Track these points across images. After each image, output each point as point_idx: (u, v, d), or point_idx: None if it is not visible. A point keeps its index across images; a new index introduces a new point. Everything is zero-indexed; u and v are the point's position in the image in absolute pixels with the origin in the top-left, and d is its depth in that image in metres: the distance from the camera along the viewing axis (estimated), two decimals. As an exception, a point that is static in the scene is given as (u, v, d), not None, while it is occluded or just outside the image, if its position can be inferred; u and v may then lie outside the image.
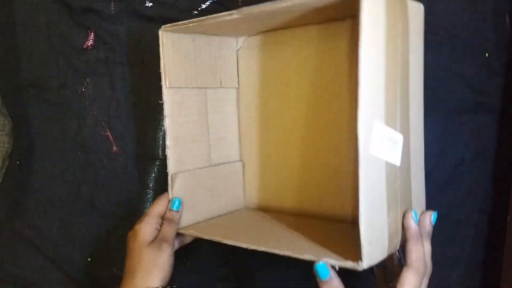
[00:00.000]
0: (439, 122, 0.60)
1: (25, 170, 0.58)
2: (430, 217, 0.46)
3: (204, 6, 0.58)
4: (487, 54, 0.61)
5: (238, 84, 0.56)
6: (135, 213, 0.60)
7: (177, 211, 0.54)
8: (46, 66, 0.59)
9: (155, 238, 0.51)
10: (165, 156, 0.51)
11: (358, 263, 0.39)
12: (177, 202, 0.54)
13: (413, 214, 0.43)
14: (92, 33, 0.58)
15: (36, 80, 0.59)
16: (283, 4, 0.39)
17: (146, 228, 0.51)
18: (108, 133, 0.58)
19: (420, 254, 0.42)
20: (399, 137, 0.41)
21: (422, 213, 0.47)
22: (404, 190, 0.44)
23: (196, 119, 0.52)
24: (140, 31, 0.57)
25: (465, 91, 0.61)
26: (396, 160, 0.40)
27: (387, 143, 0.39)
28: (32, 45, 0.59)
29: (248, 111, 0.57)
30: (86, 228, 0.58)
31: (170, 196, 0.53)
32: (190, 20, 0.46)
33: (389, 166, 0.40)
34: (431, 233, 0.46)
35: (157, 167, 0.60)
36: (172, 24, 0.46)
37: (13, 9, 0.58)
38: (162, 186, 0.58)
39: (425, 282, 0.43)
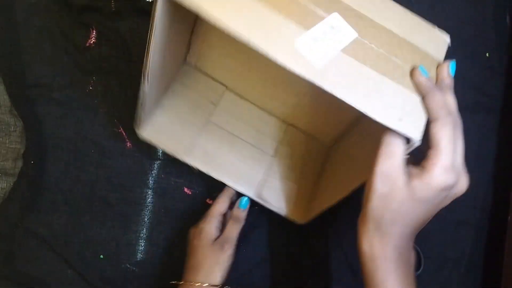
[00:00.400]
0: (440, 121, 0.60)
1: (38, 170, 0.58)
2: (448, 68, 0.39)
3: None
4: (487, 54, 0.61)
5: None
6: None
7: (244, 210, 0.55)
8: (51, 66, 0.59)
9: (218, 237, 0.53)
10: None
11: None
12: (244, 200, 0.55)
13: (420, 69, 0.36)
14: (94, 31, 0.58)
15: (41, 80, 0.59)
16: None
17: (210, 228, 0.53)
18: (121, 130, 0.58)
19: (440, 103, 0.34)
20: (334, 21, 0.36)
21: (438, 65, 0.40)
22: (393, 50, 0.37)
23: None
24: (142, 27, 0.57)
25: (466, 91, 0.61)
26: (349, 37, 0.35)
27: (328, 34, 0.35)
28: (35, 45, 0.59)
29: None
30: (100, 227, 0.58)
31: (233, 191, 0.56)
32: None
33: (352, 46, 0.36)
34: (452, 85, 0.38)
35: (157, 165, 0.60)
36: None
37: (14, 9, 0.59)
38: (161, 185, 0.59)
39: (459, 134, 0.36)
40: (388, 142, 0.35)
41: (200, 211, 0.59)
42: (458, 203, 0.60)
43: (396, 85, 0.35)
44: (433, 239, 0.59)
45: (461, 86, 0.60)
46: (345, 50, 0.35)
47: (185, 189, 0.59)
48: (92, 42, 0.58)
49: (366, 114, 0.34)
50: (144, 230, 0.59)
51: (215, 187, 0.59)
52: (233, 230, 0.54)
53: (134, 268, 0.58)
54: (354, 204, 0.59)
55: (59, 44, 0.59)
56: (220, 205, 0.55)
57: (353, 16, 0.36)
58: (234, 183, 0.56)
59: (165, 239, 0.59)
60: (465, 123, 0.60)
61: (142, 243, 0.59)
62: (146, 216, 0.59)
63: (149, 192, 0.59)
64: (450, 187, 0.35)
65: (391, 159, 0.34)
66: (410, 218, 0.37)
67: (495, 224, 0.60)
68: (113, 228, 0.58)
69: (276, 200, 0.56)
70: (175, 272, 0.58)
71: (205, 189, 0.59)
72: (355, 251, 0.59)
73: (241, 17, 0.33)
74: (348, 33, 0.36)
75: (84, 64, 0.59)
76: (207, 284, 0.50)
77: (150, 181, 0.59)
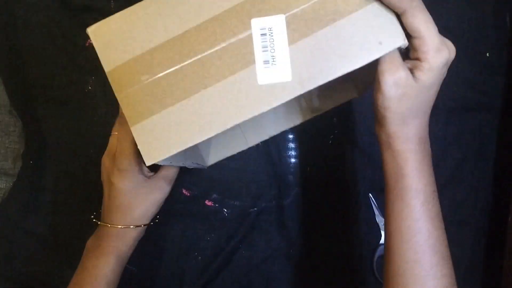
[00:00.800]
0: (440, 121, 0.60)
1: (37, 170, 0.58)
2: None
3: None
4: (487, 54, 0.61)
5: None
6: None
7: None
8: (50, 65, 0.59)
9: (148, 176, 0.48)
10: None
11: None
12: None
13: None
14: (93, 31, 0.58)
15: (41, 79, 0.59)
16: None
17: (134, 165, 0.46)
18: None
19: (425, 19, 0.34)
20: None
21: None
22: None
23: None
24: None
25: (466, 91, 0.61)
26: (280, 26, 0.34)
27: None
28: (35, 45, 0.59)
29: None
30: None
31: None
32: None
33: None
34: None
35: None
36: None
37: (13, 9, 0.59)
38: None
39: (425, 10, 0.35)
40: (383, 61, 0.35)
41: (198, 212, 0.59)
42: (458, 203, 0.60)
43: (351, 20, 0.34)
44: (433, 240, 0.59)
45: (461, 86, 0.61)
46: (291, 40, 0.34)
47: (184, 191, 0.59)
48: (91, 41, 0.58)
49: (355, 69, 0.34)
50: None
51: (214, 188, 0.59)
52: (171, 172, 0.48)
53: (134, 268, 0.58)
54: (354, 204, 0.59)
55: (59, 44, 0.59)
56: None
57: (258, 10, 0.35)
58: None
59: (164, 240, 0.59)
60: (465, 123, 0.61)
61: (141, 243, 0.59)
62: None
63: None
64: (448, 60, 0.37)
65: (394, 72, 0.35)
66: (426, 106, 0.38)
67: (496, 224, 0.60)
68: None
69: None
70: (175, 272, 0.59)
71: (203, 190, 0.59)
72: (355, 251, 0.59)
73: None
74: (276, 23, 0.34)
75: (84, 64, 0.59)
76: (133, 226, 0.46)
77: None
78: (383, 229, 0.59)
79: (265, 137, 0.58)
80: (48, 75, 0.59)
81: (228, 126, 0.34)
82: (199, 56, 0.35)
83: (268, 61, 0.34)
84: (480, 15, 0.61)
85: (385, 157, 0.40)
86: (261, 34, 0.34)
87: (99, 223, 0.47)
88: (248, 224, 0.58)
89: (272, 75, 0.34)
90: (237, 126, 0.57)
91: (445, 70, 0.37)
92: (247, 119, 0.34)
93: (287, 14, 0.34)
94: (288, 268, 0.59)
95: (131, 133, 0.36)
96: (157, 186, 0.47)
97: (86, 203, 0.58)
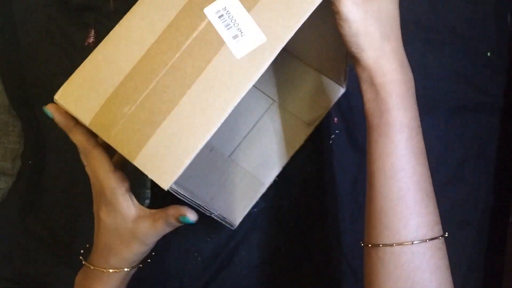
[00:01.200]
0: (441, 121, 0.60)
1: (37, 170, 0.58)
2: None
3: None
4: (488, 54, 0.61)
5: None
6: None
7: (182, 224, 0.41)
8: (49, 65, 0.59)
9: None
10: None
11: None
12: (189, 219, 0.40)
13: None
14: (93, 30, 0.58)
15: (40, 79, 0.59)
16: None
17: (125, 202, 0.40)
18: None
19: None
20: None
21: None
22: None
23: None
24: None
25: (467, 91, 0.61)
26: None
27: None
28: (34, 45, 0.59)
29: None
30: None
31: None
32: None
33: None
34: None
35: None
36: None
37: (12, 9, 0.59)
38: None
39: None
40: None
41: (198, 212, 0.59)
42: (459, 203, 0.60)
43: None
44: (434, 240, 0.59)
45: (462, 86, 0.61)
46: (248, 8, 0.34)
47: (184, 190, 0.59)
48: (91, 41, 0.58)
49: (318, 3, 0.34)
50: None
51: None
52: (162, 231, 0.42)
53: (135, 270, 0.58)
54: (354, 204, 0.59)
55: (58, 44, 0.59)
56: None
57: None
58: None
59: (164, 240, 0.59)
60: (466, 123, 0.61)
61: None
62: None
63: (147, 193, 0.59)
64: None
65: None
66: (393, 24, 0.39)
67: (496, 224, 0.60)
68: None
69: None
70: (175, 272, 0.59)
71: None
72: (355, 251, 0.59)
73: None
74: (227, 0, 0.34)
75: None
76: (119, 269, 0.42)
77: (149, 182, 0.59)
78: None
79: (279, 169, 0.57)
80: (47, 75, 0.59)
81: (229, 110, 0.33)
82: (170, 63, 0.34)
83: (237, 35, 0.34)
84: (481, 14, 0.61)
85: (367, 95, 0.37)
86: (218, 17, 0.34)
87: (83, 262, 0.43)
88: (248, 224, 0.58)
89: (247, 45, 0.33)
90: (247, 173, 0.57)
91: None
92: (244, 94, 0.33)
93: None
94: (288, 268, 0.59)
95: (106, 163, 0.35)
96: (153, 224, 0.40)
97: (86, 203, 0.58)
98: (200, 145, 0.33)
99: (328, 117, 0.60)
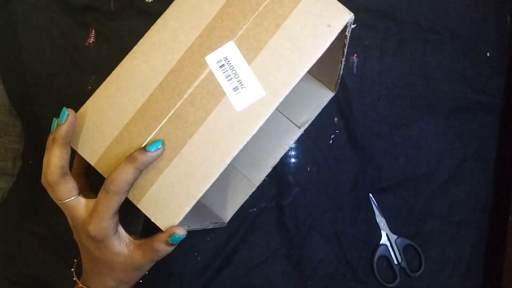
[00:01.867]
0: (440, 121, 0.60)
1: (37, 170, 0.57)
2: None
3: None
4: (488, 54, 0.61)
5: None
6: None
7: (173, 245, 0.38)
8: (50, 65, 0.59)
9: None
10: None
11: None
12: (177, 237, 0.36)
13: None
14: (93, 31, 0.58)
15: (41, 79, 0.59)
16: None
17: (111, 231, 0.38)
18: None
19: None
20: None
21: None
22: None
23: None
24: (141, 27, 0.57)
25: (466, 91, 0.61)
26: (232, 50, 0.35)
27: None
28: (35, 45, 0.59)
29: None
30: None
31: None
32: None
33: None
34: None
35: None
36: None
37: (13, 9, 0.59)
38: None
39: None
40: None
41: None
42: (458, 203, 0.60)
43: (294, 17, 0.35)
44: (434, 240, 0.59)
45: (461, 86, 0.61)
46: (249, 60, 0.35)
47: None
48: (91, 42, 0.58)
49: (317, 59, 0.35)
50: (144, 230, 0.59)
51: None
52: (151, 260, 0.39)
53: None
54: (354, 204, 0.59)
55: (58, 44, 0.59)
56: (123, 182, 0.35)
57: (208, 47, 0.36)
58: None
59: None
60: (466, 123, 0.61)
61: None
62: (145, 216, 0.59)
63: (139, 229, 0.59)
64: None
65: None
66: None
67: (496, 224, 0.60)
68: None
69: None
70: (175, 271, 0.59)
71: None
72: (355, 251, 0.59)
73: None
74: (229, 50, 0.35)
75: (84, 64, 0.59)
76: None
77: (142, 219, 0.59)
78: (383, 229, 0.59)
79: (269, 169, 0.59)
80: (48, 75, 0.59)
81: (227, 161, 0.34)
82: (173, 111, 0.35)
83: (237, 87, 0.35)
84: (480, 15, 0.61)
85: None
86: (219, 66, 0.35)
87: (80, 285, 0.41)
88: (248, 224, 0.58)
89: (246, 98, 0.34)
90: (238, 172, 0.58)
91: None
92: (241, 147, 0.34)
93: (235, 38, 0.35)
94: (288, 268, 0.59)
95: (114, 203, 0.35)
96: (143, 255, 0.38)
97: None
98: (200, 194, 0.35)
99: (328, 117, 0.60)
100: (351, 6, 0.61)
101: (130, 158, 0.35)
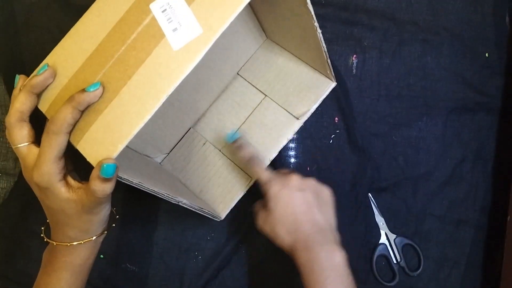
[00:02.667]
0: (439, 121, 0.60)
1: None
2: None
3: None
4: (487, 54, 0.61)
5: None
6: (149, 212, 0.60)
7: (110, 179, 0.36)
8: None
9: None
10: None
11: None
12: (110, 167, 0.35)
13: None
14: (94, 31, 0.58)
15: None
16: None
17: (53, 175, 0.37)
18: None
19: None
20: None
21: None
22: None
23: None
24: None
25: (465, 91, 0.61)
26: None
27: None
28: (36, 45, 0.59)
29: None
30: None
31: None
32: None
33: None
34: None
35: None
36: None
37: (13, 9, 0.59)
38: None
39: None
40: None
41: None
42: (458, 202, 0.60)
43: None
44: (433, 239, 0.59)
45: (460, 86, 0.61)
46: (189, 1, 0.36)
47: (185, 189, 0.59)
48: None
49: None
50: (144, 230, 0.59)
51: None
52: (102, 199, 0.37)
53: (134, 268, 0.58)
54: (353, 203, 0.59)
55: (59, 44, 0.59)
56: (61, 138, 0.36)
57: None
58: None
59: (164, 240, 0.59)
60: (465, 123, 0.61)
61: (141, 243, 0.59)
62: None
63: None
64: (277, 188, 0.49)
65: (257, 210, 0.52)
66: (293, 223, 0.49)
67: (495, 224, 0.60)
68: (113, 227, 0.58)
69: None
70: (175, 271, 0.59)
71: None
72: (355, 251, 0.59)
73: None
74: None
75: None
76: (80, 241, 0.40)
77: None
78: (382, 228, 0.59)
79: (267, 163, 0.59)
80: (48, 75, 0.59)
81: (162, 99, 0.35)
82: (116, 56, 0.36)
83: (176, 28, 0.35)
84: (479, 15, 0.61)
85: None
86: (162, 11, 0.36)
87: (45, 240, 0.42)
88: (248, 224, 0.58)
89: (184, 37, 0.35)
90: (236, 167, 0.59)
91: (287, 193, 0.48)
92: (177, 85, 0.35)
93: None
94: (288, 268, 0.59)
95: (55, 144, 0.35)
96: (87, 197, 0.37)
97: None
98: (133, 131, 0.35)
99: (328, 117, 0.60)
100: (351, 6, 0.61)
101: (69, 99, 0.35)
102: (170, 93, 0.35)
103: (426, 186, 0.60)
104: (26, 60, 0.59)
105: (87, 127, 0.36)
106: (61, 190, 0.37)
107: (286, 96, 0.59)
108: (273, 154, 0.58)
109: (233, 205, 0.58)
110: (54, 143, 0.35)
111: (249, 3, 0.36)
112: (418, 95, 0.61)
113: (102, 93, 0.36)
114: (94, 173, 0.35)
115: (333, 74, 0.57)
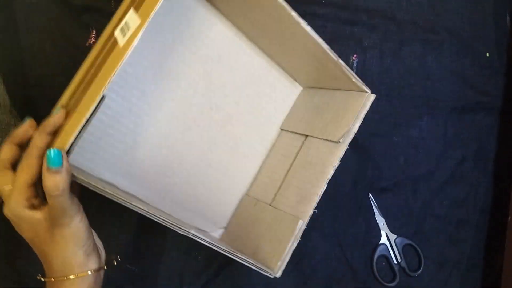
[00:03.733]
0: (440, 121, 0.60)
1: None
2: None
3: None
4: (487, 54, 0.61)
5: None
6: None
7: (58, 169, 0.35)
8: (51, 66, 0.59)
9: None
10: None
11: None
12: (53, 153, 0.34)
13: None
14: (94, 31, 0.58)
15: (42, 80, 0.59)
16: None
17: (21, 211, 0.39)
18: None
19: None
20: None
21: None
22: None
23: None
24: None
25: (466, 91, 0.61)
26: None
27: None
28: (35, 45, 0.59)
29: None
30: (100, 226, 0.58)
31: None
32: None
33: None
34: None
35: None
36: None
37: (13, 9, 0.59)
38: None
39: None
40: None
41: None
42: (458, 202, 0.60)
43: None
44: (433, 239, 0.59)
45: (461, 86, 0.61)
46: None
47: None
48: (92, 42, 0.58)
49: None
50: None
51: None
52: (60, 201, 0.36)
53: (134, 268, 0.58)
54: (354, 204, 0.59)
55: (59, 44, 0.59)
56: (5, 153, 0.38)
57: None
58: None
59: (164, 240, 0.59)
60: (465, 123, 0.61)
61: (141, 243, 0.59)
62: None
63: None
64: None
65: None
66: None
67: (495, 224, 0.60)
68: (113, 227, 0.58)
69: None
70: (175, 272, 0.59)
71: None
72: (355, 250, 0.59)
73: None
74: None
75: (84, 64, 0.59)
76: (71, 276, 0.39)
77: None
78: (383, 229, 0.59)
79: (317, 200, 0.52)
80: (48, 75, 0.59)
81: (104, 88, 0.36)
82: (85, 80, 0.43)
83: (125, 31, 0.39)
84: (480, 15, 0.61)
85: None
86: (120, 31, 0.39)
87: (42, 279, 0.41)
88: (248, 224, 0.58)
89: (128, 34, 0.38)
90: (287, 214, 0.54)
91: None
92: (114, 73, 0.36)
93: None
94: (288, 268, 0.59)
95: (26, 169, 0.36)
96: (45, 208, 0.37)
97: (85, 203, 0.58)
98: (81, 123, 0.35)
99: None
100: (351, 6, 0.61)
101: (39, 127, 0.38)
102: (109, 80, 0.35)
103: (426, 186, 0.60)
104: (26, 60, 0.59)
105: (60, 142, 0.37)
106: (29, 214, 0.37)
107: (325, 126, 0.55)
108: (321, 189, 0.52)
109: (289, 255, 0.51)
110: (26, 168, 0.36)
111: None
112: (418, 95, 0.61)
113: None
114: (43, 168, 0.35)
115: (365, 85, 0.52)
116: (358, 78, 0.50)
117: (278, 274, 0.49)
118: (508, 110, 0.61)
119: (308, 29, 0.43)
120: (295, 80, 0.59)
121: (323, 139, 0.55)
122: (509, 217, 0.57)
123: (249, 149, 0.57)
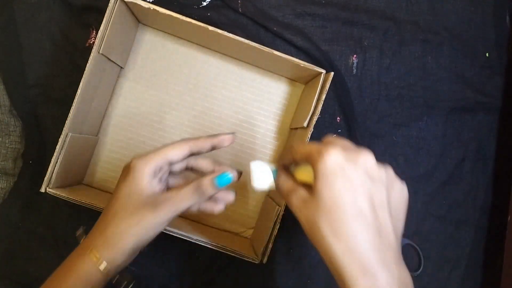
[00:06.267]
0: (439, 121, 0.60)
1: (38, 170, 0.58)
2: None
3: (204, 3, 0.58)
4: (487, 54, 0.61)
5: None
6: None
7: (218, 188, 0.39)
8: (51, 66, 0.59)
9: (157, 192, 0.40)
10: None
11: None
12: (225, 177, 0.39)
13: None
14: (94, 31, 0.58)
15: (41, 80, 0.59)
16: None
17: (148, 170, 0.39)
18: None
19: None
20: None
21: None
22: None
23: None
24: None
25: (466, 91, 0.61)
26: None
27: None
28: (35, 45, 0.59)
29: None
30: None
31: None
32: None
33: None
34: None
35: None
36: None
37: (13, 9, 0.59)
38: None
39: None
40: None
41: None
42: (458, 202, 0.60)
43: None
44: (433, 239, 0.59)
45: (461, 86, 0.61)
46: None
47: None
48: (92, 42, 0.58)
49: None
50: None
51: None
52: (187, 198, 0.38)
53: (134, 268, 0.58)
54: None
55: (59, 44, 0.59)
56: (176, 151, 0.40)
57: None
58: None
59: (164, 240, 0.59)
60: (465, 123, 0.61)
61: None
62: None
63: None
64: (339, 159, 0.34)
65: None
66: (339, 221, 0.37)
67: (495, 224, 0.60)
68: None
69: None
70: (176, 272, 0.59)
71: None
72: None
73: None
74: None
75: (84, 64, 0.59)
76: (101, 264, 0.38)
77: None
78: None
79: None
80: (48, 75, 0.59)
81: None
82: None
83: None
84: (480, 15, 0.61)
85: None
86: None
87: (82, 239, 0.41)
88: (248, 224, 0.58)
89: None
90: None
91: (351, 173, 0.33)
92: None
93: None
94: (288, 268, 0.59)
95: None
96: (177, 192, 0.39)
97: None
98: None
99: (330, 116, 0.60)
100: (351, 6, 0.61)
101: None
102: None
103: (426, 186, 0.60)
104: (26, 60, 0.59)
105: None
106: (145, 179, 0.39)
107: (300, 115, 0.57)
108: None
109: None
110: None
111: None
112: (418, 95, 0.61)
113: None
114: (212, 175, 0.39)
115: (319, 67, 0.52)
116: (306, 63, 0.51)
117: (264, 260, 0.51)
118: (508, 110, 0.61)
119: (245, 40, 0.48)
120: (296, 80, 0.60)
121: (300, 128, 0.57)
122: (509, 217, 0.57)
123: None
